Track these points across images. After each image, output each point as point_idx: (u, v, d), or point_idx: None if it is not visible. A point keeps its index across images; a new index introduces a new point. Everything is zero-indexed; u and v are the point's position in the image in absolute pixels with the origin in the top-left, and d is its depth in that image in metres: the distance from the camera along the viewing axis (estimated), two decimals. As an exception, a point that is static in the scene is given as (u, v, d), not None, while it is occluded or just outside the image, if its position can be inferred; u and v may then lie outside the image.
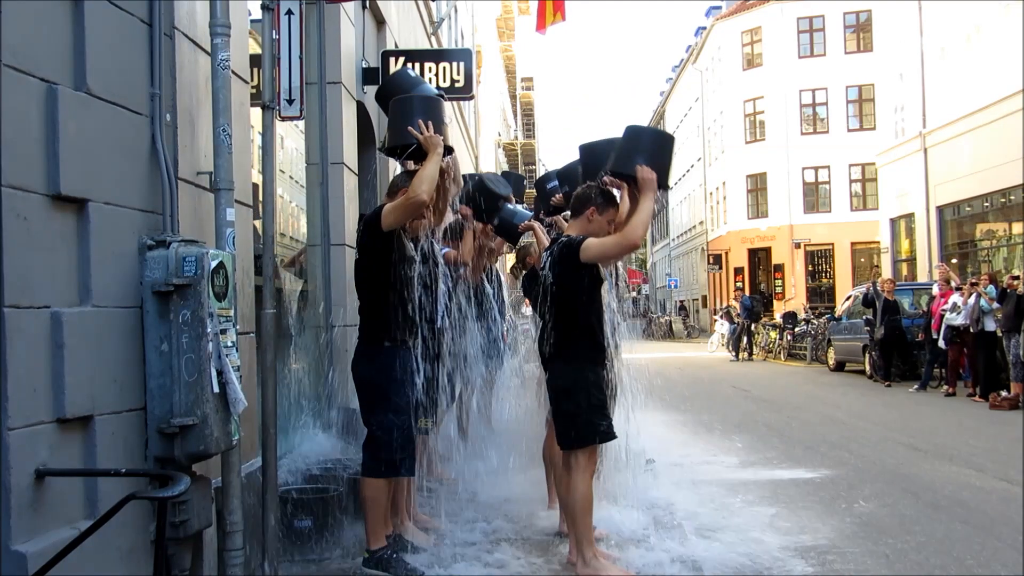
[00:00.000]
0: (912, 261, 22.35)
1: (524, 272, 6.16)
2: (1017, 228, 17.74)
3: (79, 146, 2.74)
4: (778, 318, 25.89)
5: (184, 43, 3.53)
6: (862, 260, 31.43)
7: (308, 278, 6.10)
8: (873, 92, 28.92)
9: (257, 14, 4.22)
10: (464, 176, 5.66)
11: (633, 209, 4.24)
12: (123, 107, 3.03)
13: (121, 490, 2.70)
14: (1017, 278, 11.89)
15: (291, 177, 6.49)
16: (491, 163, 27.39)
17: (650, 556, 4.53)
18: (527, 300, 6.22)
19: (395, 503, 4.54)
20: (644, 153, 4.25)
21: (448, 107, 5.17)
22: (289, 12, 4.16)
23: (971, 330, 12.53)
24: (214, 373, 3.09)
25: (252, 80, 4.40)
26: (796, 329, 22.84)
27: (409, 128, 4.22)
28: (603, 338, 4.31)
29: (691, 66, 42.75)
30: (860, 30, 31.79)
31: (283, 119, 4.32)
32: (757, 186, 34.70)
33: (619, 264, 5.20)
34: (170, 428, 3.03)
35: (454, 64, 7.90)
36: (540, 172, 39.60)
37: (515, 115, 46.44)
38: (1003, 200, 18.05)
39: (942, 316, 13.33)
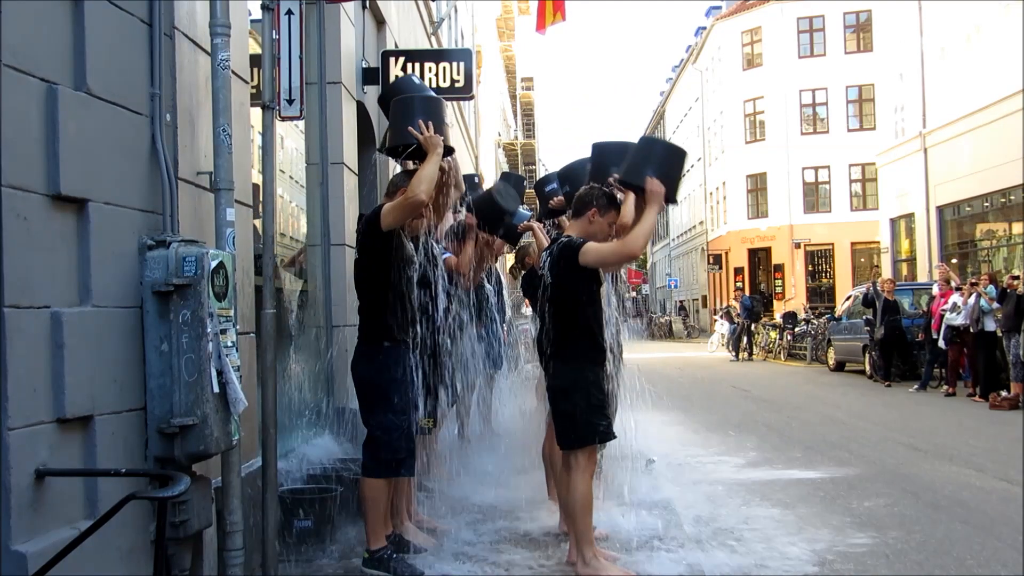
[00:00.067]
0: (912, 261, 22.36)
1: (523, 272, 6.16)
2: (1017, 228, 17.74)
3: (79, 146, 2.74)
4: (778, 318, 25.90)
5: (184, 43, 3.53)
6: (862, 260, 31.44)
7: (308, 278, 6.10)
8: (873, 92, 28.93)
9: (257, 14, 4.22)
10: (464, 176, 5.64)
11: (637, 219, 4.24)
12: (123, 107, 3.03)
13: (121, 490, 2.70)
14: (1017, 278, 11.89)
15: (291, 177, 6.49)
16: (491, 163, 27.40)
17: (650, 556, 4.53)
18: (527, 300, 6.23)
19: (395, 503, 4.54)
20: (655, 165, 4.25)
21: (448, 108, 5.16)
22: (289, 12, 4.16)
23: (971, 330, 12.53)
24: (214, 373, 3.09)
25: (252, 80, 4.40)
26: (796, 329, 22.84)
27: (409, 128, 4.22)
28: (602, 338, 4.31)
29: (691, 66, 42.76)
30: (860, 30, 31.79)
31: (283, 119, 4.32)
32: (757, 186, 34.71)
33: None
34: (170, 428, 3.03)
35: (454, 64, 7.89)
36: (540, 172, 39.67)
37: (515, 115, 46.44)
38: (1003, 200, 18.05)
39: (942, 316, 13.33)
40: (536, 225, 5.56)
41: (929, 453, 8.14)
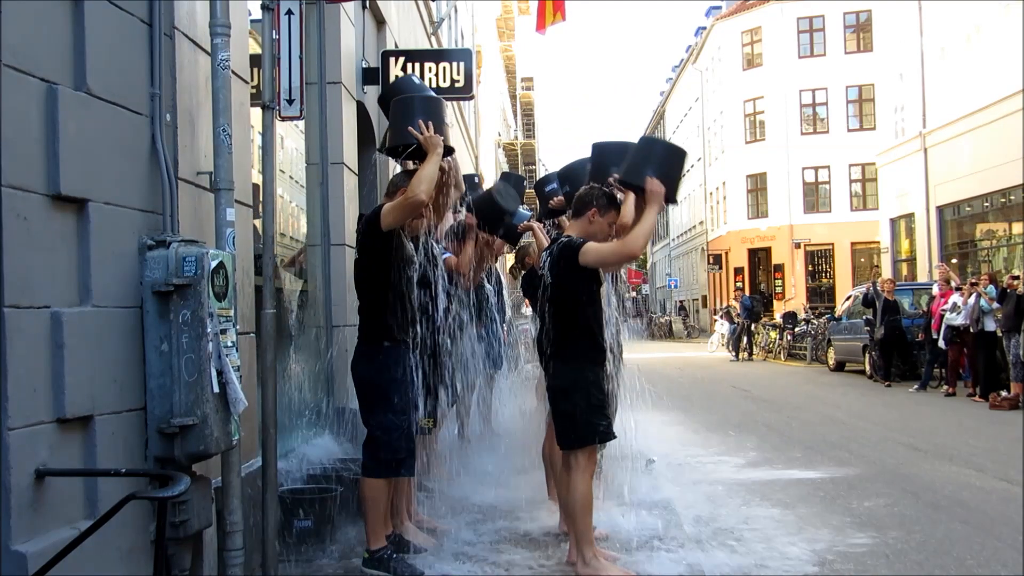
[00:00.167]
0: (912, 261, 22.36)
1: (523, 272, 6.16)
2: (1017, 228, 17.74)
3: (79, 146, 2.74)
4: (778, 318, 25.90)
5: (184, 43, 3.53)
6: (862, 260, 31.44)
7: (308, 278, 6.10)
8: (873, 92, 28.93)
9: (257, 14, 4.22)
10: (464, 176, 5.64)
11: (637, 220, 4.24)
12: (123, 107, 3.03)
13: (121, 490, 2.70)
14: (1017, 278, 11.89)
15: (291, 177, 6.49)
16: (491, 163, 27.40)
17: (650, 556, 4.53)
18: (527, 300, 6.22)
19: (395, 503, 4.54)
20: (655, 165, 4.25)
21: (448, 108, 5.15)
22: (289, 12, 4.16)
23: (971, 330, 12.53)
24: (214, 373, 3.09)
25: (252, 80, 4.40)
26: (796, 329, 22.85)
27: (409, 128, 4.22)
28: (602, 338, 4.31)
29: (691, 66, 42.76)
30: (860, 30, 31.79)
31: (283, 119, 4.32)
32: (757, 186, 34.72)
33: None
34: (170, 428, 3.03)
35: (454, 64, 7.89)
36: (540, 172, 39.66)
37: (515, 115, 46.44)
38: (1003, 200, 18.05)
39: (942, 316, 13.33)
40: (536, 225, 5.56)
41: (929, 453, 8.14)
